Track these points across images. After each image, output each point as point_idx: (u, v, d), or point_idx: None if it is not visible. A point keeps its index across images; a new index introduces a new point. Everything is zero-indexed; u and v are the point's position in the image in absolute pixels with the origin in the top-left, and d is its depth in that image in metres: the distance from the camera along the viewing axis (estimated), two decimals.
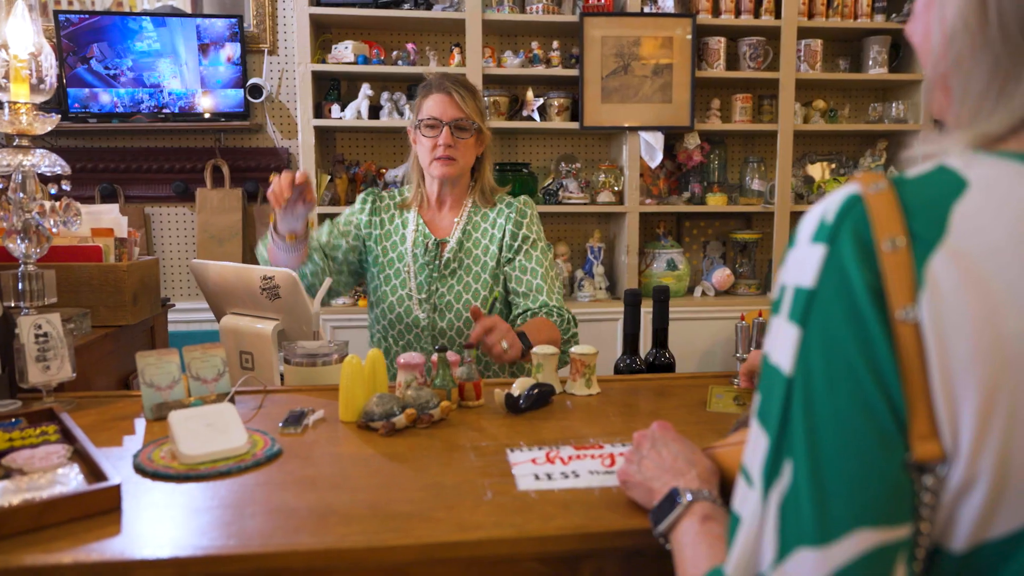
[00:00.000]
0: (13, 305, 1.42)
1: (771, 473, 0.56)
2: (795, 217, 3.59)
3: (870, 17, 3.46)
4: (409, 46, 3.22)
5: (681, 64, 3.31)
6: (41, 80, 1.44)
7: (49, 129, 1.46)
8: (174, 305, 2.23)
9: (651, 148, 3.32)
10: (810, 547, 0.53)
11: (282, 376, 1.73)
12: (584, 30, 3.23)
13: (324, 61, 3.19)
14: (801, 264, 0.57)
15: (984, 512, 0.52)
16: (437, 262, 1.88)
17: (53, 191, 1.48)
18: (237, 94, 3.26)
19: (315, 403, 1.37)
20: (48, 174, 1.46)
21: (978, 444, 0.51)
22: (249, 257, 3.36)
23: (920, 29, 0.64)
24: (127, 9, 3.25)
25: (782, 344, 0.57)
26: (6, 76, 1.41)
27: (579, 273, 3.48)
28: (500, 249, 1.88)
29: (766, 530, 0.56)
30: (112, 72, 3.15)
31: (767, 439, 0.57)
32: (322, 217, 3.27)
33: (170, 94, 3.21)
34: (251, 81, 3.26)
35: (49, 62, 1.44)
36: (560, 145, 3.60)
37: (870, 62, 3.52)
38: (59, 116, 1.48)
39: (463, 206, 1.92)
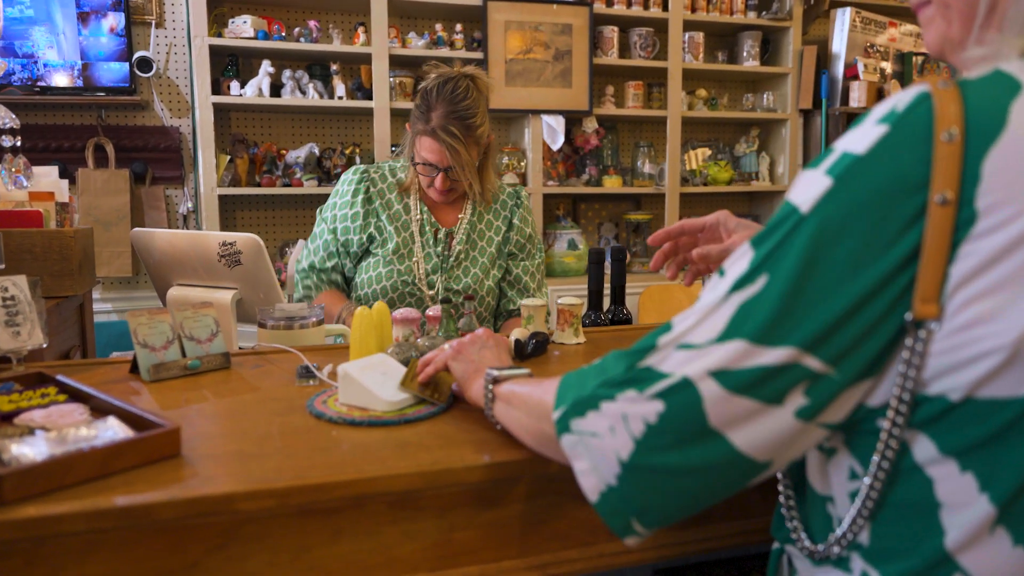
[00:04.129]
0: None
1: (745, 279, 0.64)
2: (684, 198, 3.83)
3: (744, 13, 3.75)
4: (311, 23, 3.14)
5: (580, 51, 3.44)
6: None
7: None
8: (99, 282, 2.07)
9: (553, 131, 3.43)
10: (745, 340, 0.62)
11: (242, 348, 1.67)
12: (488, 14, 3.28)
13: (220, 35, 3.05)
14: (860, 136, 0.62)
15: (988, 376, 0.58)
16: (447, 253, 1.90)
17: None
18: (122, 68, 3.04)
19: (312, 360, 1.34)
20: None
21: (999, 314, 0.57)
22: None
23: None
24: None
25: (809, 188, 0.63)
26: None
27: None
28: (504, 241, 1.97)
29: (716, 317, 0.64)
30: None
31: (754, 254, 0.64)
32: (223, 199, 3.13)
33: (46, 65, 2.95)
34: (138, 54, 3.05)
35: None
36: None
37: (744, 55, 3.82)
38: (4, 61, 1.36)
39: (465, 201, 1.93)
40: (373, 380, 1.05)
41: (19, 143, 1.37)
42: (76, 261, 1.52)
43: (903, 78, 4.03)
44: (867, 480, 0.64)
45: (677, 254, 1.20)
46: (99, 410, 1.00)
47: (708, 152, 4.00)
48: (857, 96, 3.78)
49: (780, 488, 0.79)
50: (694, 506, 0.68)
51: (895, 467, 0.63)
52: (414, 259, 1.86)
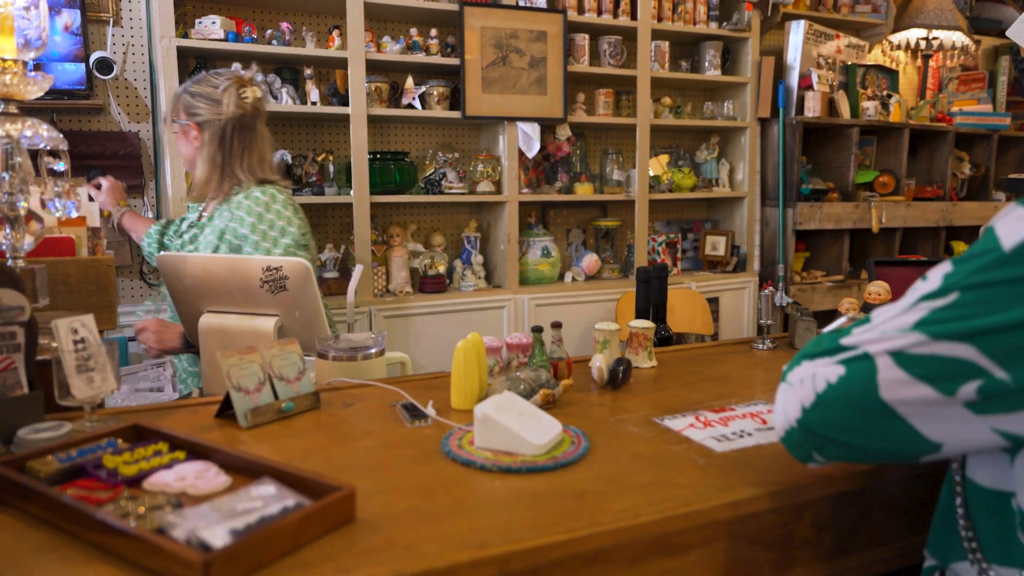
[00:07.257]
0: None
1: (938, 293, 0.73)
2: (652, 205, 3.88)
3: (706, 24, 3.83)
4: (284, 25, 3.00)
5: (554, 58, 3.43)
6: (32, 35, 1.19)
7: (41, 93, 1.21)
8: None
9: (529, 138, 3.41)
10: (926, 335, 0.72)
11: None
12: (464, 19, 3.22)
13: (187, 36, 2.87)
14: None
15: None
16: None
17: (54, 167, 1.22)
18: (78, 69, 2.82)
19: (397, 396, 1.27)
20: (44, 149, 1.21)
21: None
22: None
23: None
24: None
25: (1016, 229, 0.69)
26: None
27: (457, 264, 3.48)
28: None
29: (907, 316, 0.74)
30: None
31: (952, 269, 0.73)
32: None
33: None
34: (97, 55, 2.84)
35: (43, 14, 1.19)
36: (435, 134, 3.56)
37: (706, 64, 3.90)
38: (52, 76, 1.23)
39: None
40: (515, 422, 1.01)
41: (64, 167, 1.25)
42: (113, 292, 1.40)
43: (848, 88, 4.21)
44: None
45: None
46: (232, 468, 0.91)
47: (667, 158, 4.07)
48: (812, 106, 3.92)
49: (957, 505, 0.82)
50: (866, 460, 0.80)
51: None
52: None
